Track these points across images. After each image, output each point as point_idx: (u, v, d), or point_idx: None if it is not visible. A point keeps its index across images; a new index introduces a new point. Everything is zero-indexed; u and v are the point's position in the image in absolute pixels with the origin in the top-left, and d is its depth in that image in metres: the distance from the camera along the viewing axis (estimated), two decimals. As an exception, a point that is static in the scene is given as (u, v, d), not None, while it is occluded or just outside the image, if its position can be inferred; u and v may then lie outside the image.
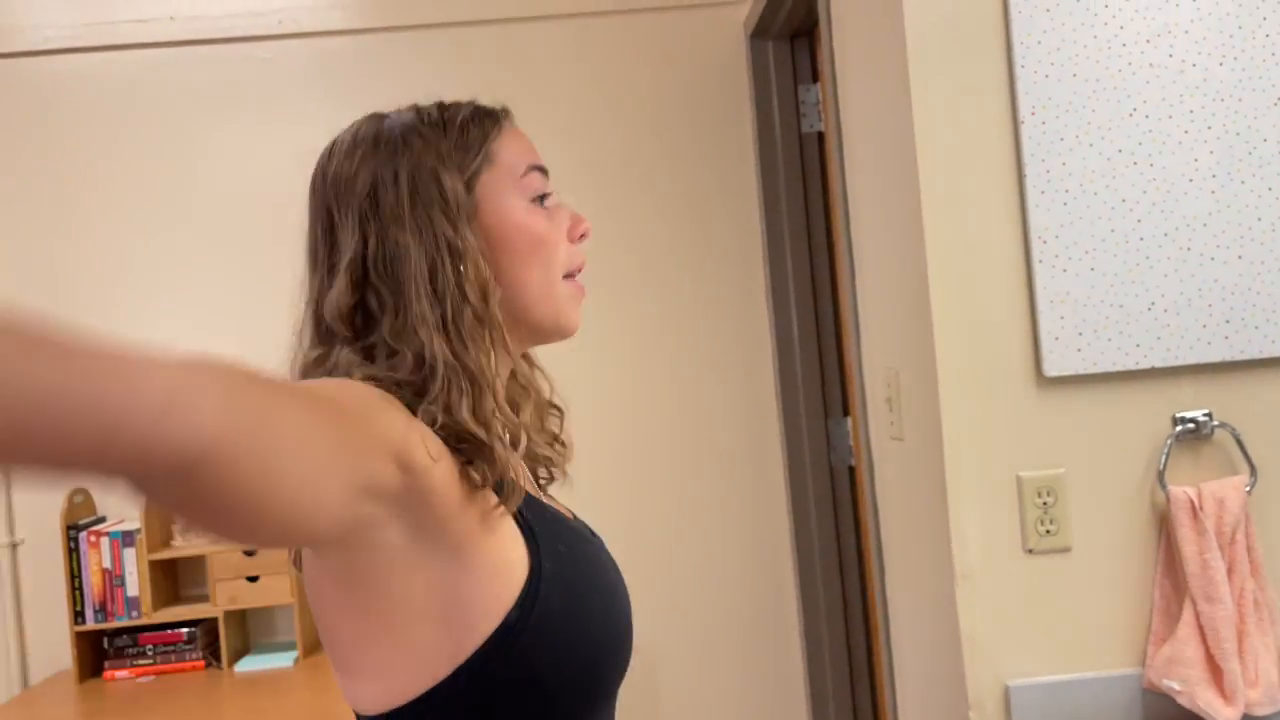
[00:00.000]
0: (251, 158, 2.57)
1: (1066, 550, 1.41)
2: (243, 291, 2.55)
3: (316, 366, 0.79)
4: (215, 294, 2.56)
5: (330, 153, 0.85)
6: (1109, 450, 1.41)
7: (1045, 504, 1.41)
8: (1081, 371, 1.40)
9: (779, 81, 2.51)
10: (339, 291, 0.78)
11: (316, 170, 0.85)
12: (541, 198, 0.87)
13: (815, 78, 2.49)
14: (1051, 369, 1.40)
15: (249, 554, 2.36)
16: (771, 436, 2.60)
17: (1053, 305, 1.40)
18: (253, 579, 2.36)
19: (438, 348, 0.76)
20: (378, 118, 0.86)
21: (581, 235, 0.89)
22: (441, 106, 0.86)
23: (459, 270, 0.79)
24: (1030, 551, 1.41)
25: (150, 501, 0.51)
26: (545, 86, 2.61)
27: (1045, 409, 1.42)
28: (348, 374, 0.76)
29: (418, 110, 0.86)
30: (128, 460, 0.46)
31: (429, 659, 0.73)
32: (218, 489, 0.50)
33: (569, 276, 0.88)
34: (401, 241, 0.78)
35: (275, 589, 2.35)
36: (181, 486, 0.49)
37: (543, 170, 0.88)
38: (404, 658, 0.73)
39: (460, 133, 0.83)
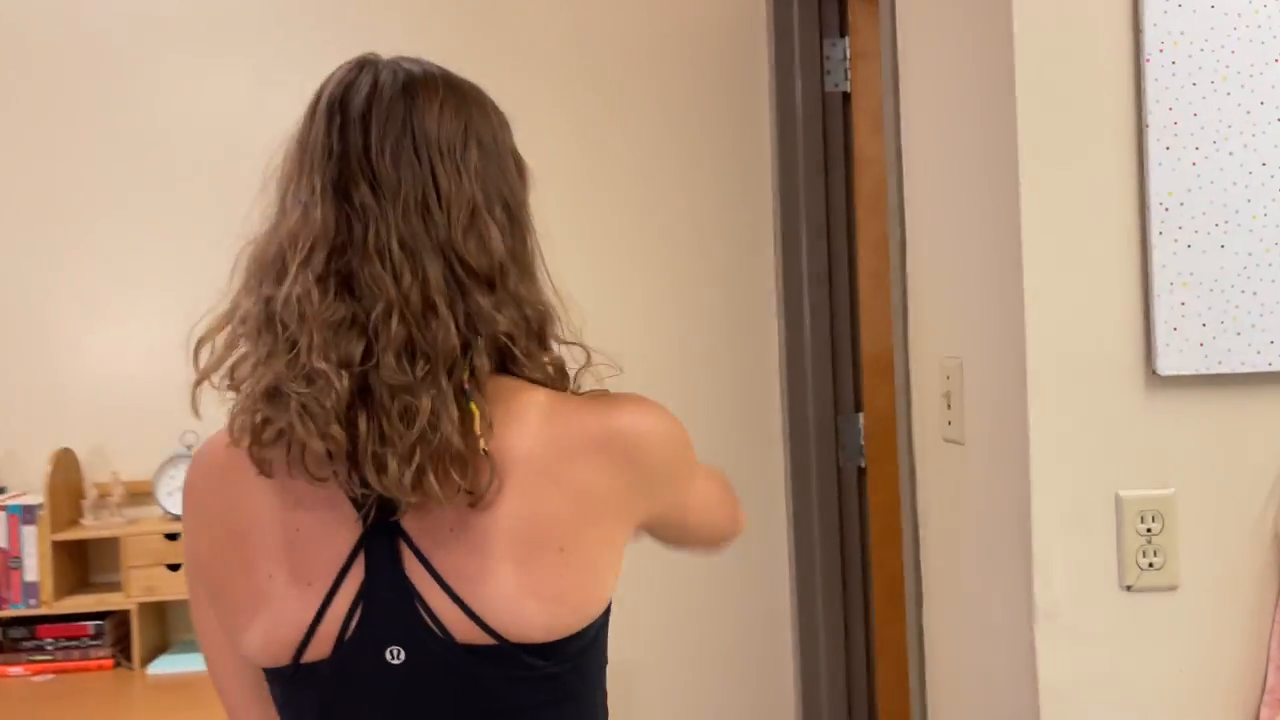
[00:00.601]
0: (203, 91, 2.24)
1: (1172, 588, 1.16)
2: (181, 241, 2.22)
3: (448, 308, 0.79)
4: (150, 242, 2.24)
5: (416, 85, 0.83)
6: (1230, 468, 1.16)
7: (1149, 531, 1.15)
8: (1202, 371, 1.15)
9: (802, 34, 2.23)
10: (494, 237, 0.80)
11: (398, 98, 0.82)
12: None
13: (843, 31, 2.22)
14: (1166, 366, 1.15)
15: (170, 537, 2.04)
16: (773, 430, 2.34)
17: (1172, 288, 1.15)
18: (174, 567, 2.04)
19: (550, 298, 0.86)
20: (436, 67, 0.87)
21: None
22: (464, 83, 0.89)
23: (536, 245, 0.87)
24: (1128, 588, 1.16)
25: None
26: (543, 30, 2.32)
27: (1155, 414, 1.16)
28: (489, 324, 0.80)
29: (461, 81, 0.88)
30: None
31: (616, 579, 0.86)
32: None
33: None
34: (509, 203, 0.84)
35: (200, 580, 2.04)
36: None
37: None
38: (613, 582, 0.85)
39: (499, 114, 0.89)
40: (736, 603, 2.36)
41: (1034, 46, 1.15)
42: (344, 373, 0.75)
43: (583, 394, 0.85)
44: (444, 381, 0.77)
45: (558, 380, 0.85)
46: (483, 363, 0.79)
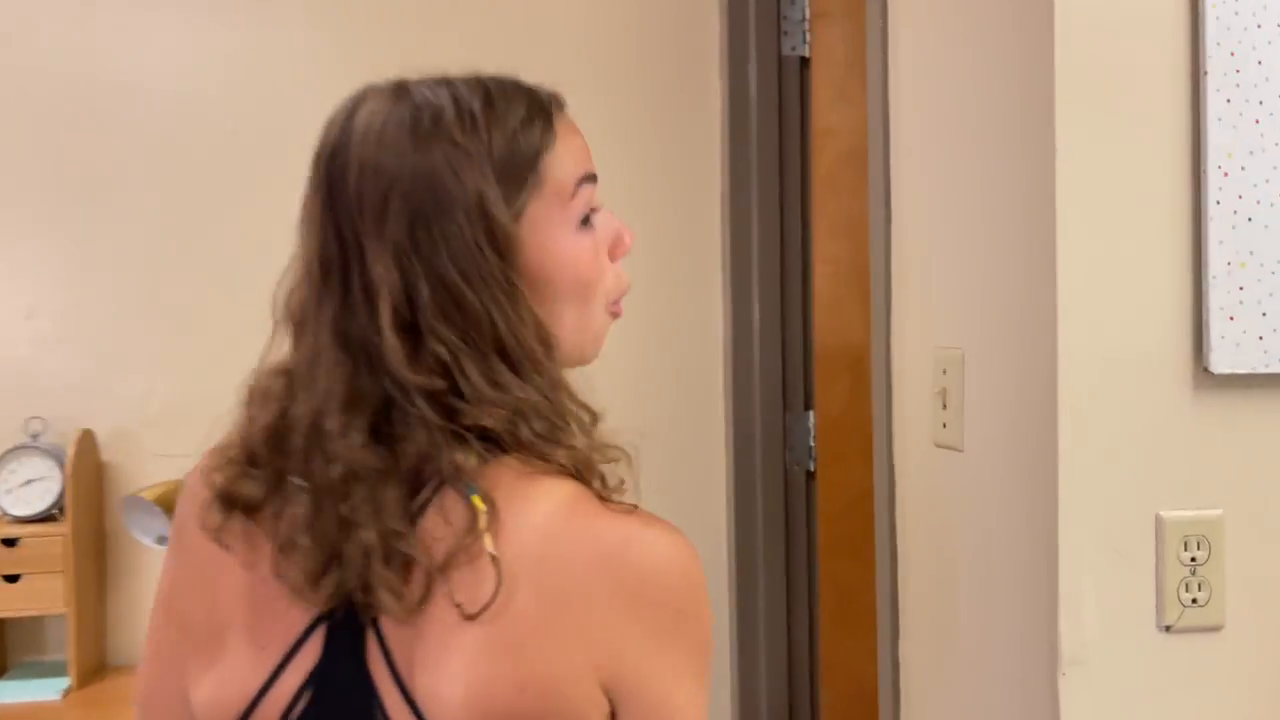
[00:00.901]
0: (56, 22, 1.92)
1: (1216, 629, 0.97)
2: (26, 192, 1.90)
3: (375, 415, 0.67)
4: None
5: (344, 149, 0.69)
6: (1288, 487, 0.98)
7: (1194, 560, 0.96)
8: (1263, 369, 0.97)
9: (758, -8, 2.03)
10: (390, 341, 0.66)
11: (327, 165, 0.70)
12: (588, 218, 0.74)
13: (803, -10, 2.02)
14: (1220, 363, 0.96)
15: (9, 543, 1.73)
16: (715, 429, 2.12)
17: (1229, 270, 0.96)
18: (11, 579, 1.73)
19: (535, 396, 0.68)
20: (406, 101, 0.70)
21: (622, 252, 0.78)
22: (486, 98, 0.71)
23: (519, 319, 0.68)
24: (1167, 629, 0.97)
25: None
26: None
27: (1205, 420, 0.97)
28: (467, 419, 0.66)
29: (455, 100, 0.70)
30: None
31: None
32: None
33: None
34: (450, 282, 0.67)
35: (43, 592, 1.73)
36: None
37: (593, 178, 0.75)
38: None
39: (510, 147, 0.70)
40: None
41: (1073, -28, 0.95)
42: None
43: (613, 501, 0.68)
44: (378, 511, 0.65)
45: (583, 472, 0.68)
46: (465, 459, 0.66)
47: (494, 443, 0.66)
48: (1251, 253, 0.96)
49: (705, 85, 2.12)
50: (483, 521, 0.64)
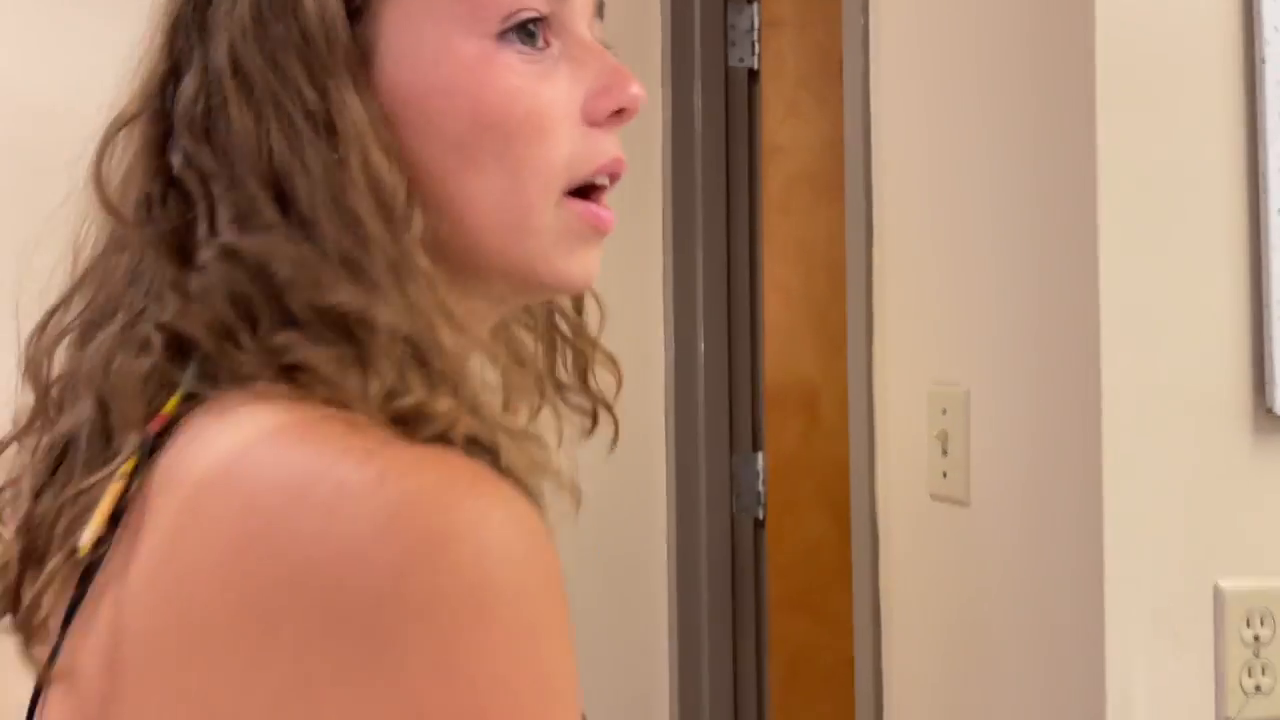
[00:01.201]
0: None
1: (1282, 720, 0.82)
2: None
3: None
4: None
5: None
6: (1361, 550, 0.84)
7: (1257, 639, 0.81)
8: (1332, 411, 0.82)
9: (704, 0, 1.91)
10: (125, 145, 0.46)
11: None
12: (526, 28, 0.45)
13: (751, -3, 1.90)
14: (1285, 403, 0.82)
15: None
16: (655, 472, 1.96)
17: (1294, 293, 0.82)
18: None
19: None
20: None
21: (618, 112, 0.48)
22: None
23: (333, 164, 0.41)
24: (1230, 722, 0.81)
25: None
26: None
27: (1269, 470, 0.83)
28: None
29: None
30: None
31: None
32: None
33: (581, 194, 0.48)
34: (217, 72, 0.42)
35: None
36: None
37: None
38: None
39: None
40: (606, 683, 1.95)
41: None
42: None
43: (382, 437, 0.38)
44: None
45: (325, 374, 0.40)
46: (146, 389, 0.42)
47: (211, 365, 0.41)
48: (1318, 273, 0.82)
49: (647, 100, 1.98)
50: (107, 494, 0.40)
